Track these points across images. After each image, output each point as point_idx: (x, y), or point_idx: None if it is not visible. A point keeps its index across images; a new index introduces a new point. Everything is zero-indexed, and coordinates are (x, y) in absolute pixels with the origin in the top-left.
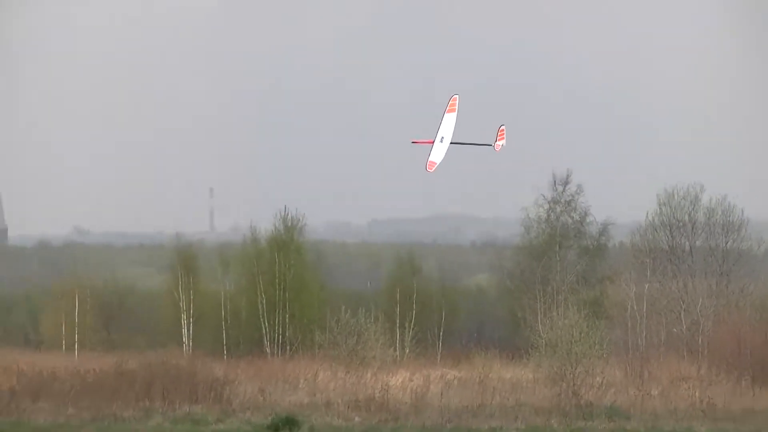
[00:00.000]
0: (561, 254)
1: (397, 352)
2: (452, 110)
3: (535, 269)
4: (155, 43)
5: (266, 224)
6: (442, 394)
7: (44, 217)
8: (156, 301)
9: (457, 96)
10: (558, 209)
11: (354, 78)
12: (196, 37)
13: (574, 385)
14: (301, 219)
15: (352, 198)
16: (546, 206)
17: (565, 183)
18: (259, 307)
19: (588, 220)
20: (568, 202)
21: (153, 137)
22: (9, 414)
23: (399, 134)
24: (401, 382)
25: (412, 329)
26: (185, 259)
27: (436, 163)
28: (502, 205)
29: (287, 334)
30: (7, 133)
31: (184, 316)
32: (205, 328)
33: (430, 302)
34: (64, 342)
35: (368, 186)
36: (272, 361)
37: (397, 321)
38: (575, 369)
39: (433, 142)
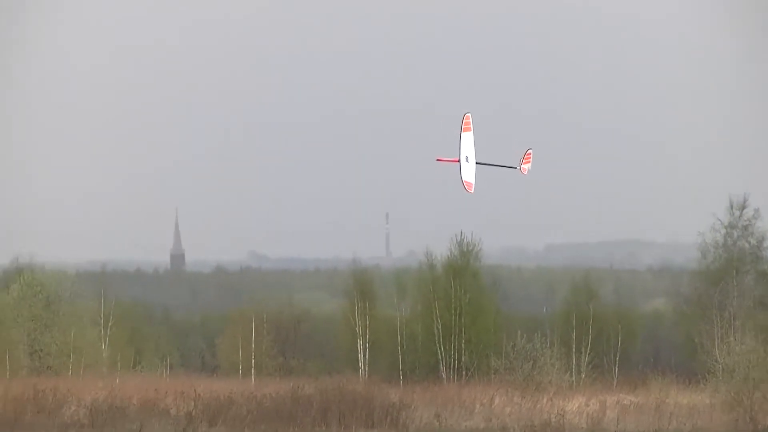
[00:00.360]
0: (738, 279)
1: (573, 378)
2: (467, 129)
3: (712, 294)
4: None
5: (442, 249)
6: (618, 420)
7: (221, 242)
8: (332, 326)
9: (470, 114)
10: (735, 234)
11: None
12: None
13: (751, 410)
14: (476, 244)
15: (527, 223)
16: (723, 231)
17: (742, 207)
18: (435, 332)
19: (766, 245)
20: (745, 227)
21: (330, 164)
22: None
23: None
24: (577, 407)
25: (588, 354)
26: (361, 284)
27: (472, 184)
28: (676, 230)
29: (463, 359)
30: (186, 161)
31: (360, 341)
32: (380, 353)
33: (607, 327)
34: (240, 367)
35: (542, 211)
36: (448, 386)
37: (573, 346)
38: (752, 395)
39: (458, 161)
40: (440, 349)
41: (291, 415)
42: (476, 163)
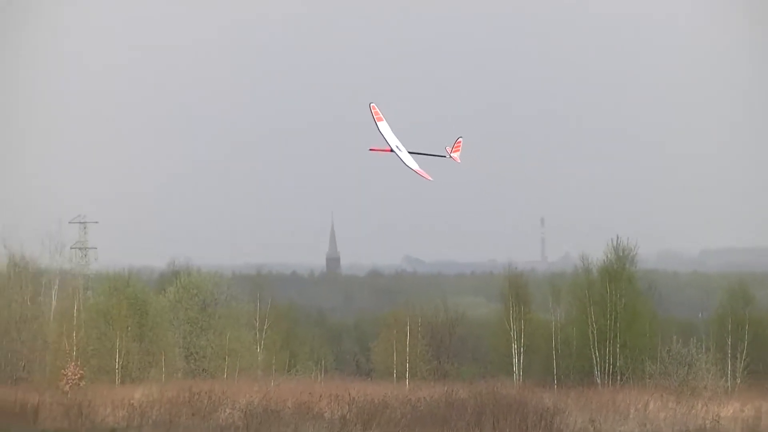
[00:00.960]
0: None
1: (728, 383)
2: (379, 119)
3: None
4: None
5: (597, 254)
6: None
7: (376, 246)
8: (486, 330)
9: (374, 103)
10: None
11: None
12: None
13: None
14: (632, 248)
15: (683, 228)
16: None
17: None
18: (590, 336)
19: None
20: None
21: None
22: None
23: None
24: (732, 413)
25: (744, 359)
26: (516, 288)
27: (424, 172)
28: None
29: (617, 364)
30: (342, 167)
31: (514, 345)
32: (535, 358)
33: (763, 332)
34: (395, 370)
35: (698, 215)
36: (602, 391)
37: (729, 351)
38: None
39: (390, 150)
40: (595, 353)
41: (445, 419)
42: (409, 152)
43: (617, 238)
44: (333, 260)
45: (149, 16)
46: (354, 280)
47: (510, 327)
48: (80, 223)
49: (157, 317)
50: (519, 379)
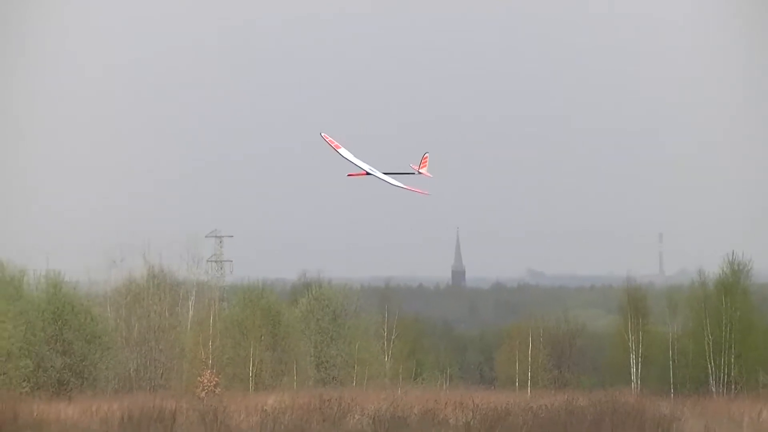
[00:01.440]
0: None
1: None
2: (337, 146)
3: None
4: None
5: (713, 268)
6: None
7: (500, 260)
8: (605, 341)
9: (326, 134)
10: None
11: None
12: None
13: None
14: (747, 263)
15: None
16: None
17: None
18: (706, 347)
19: None
20: None
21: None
22: None
23: None
24: None
25: None
26: (635, 300)
27: (417, 189)
28: None
29: (732, 374)
30: (469, 185)
31: (632, 356)
32: (652, 368)
33: None
34: (517, 379)
35: None
36: (717, 400)
37: None
38: None
39: (366, 174)
40: (710, 363)
41: (565, 426)
42: (384, 172)
43: (733, 253)
44: (458, 273)
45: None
46: (478, 292)
47: (628, 338)
48: (216, 237)
49: (289, 327)
50: (637, 388)
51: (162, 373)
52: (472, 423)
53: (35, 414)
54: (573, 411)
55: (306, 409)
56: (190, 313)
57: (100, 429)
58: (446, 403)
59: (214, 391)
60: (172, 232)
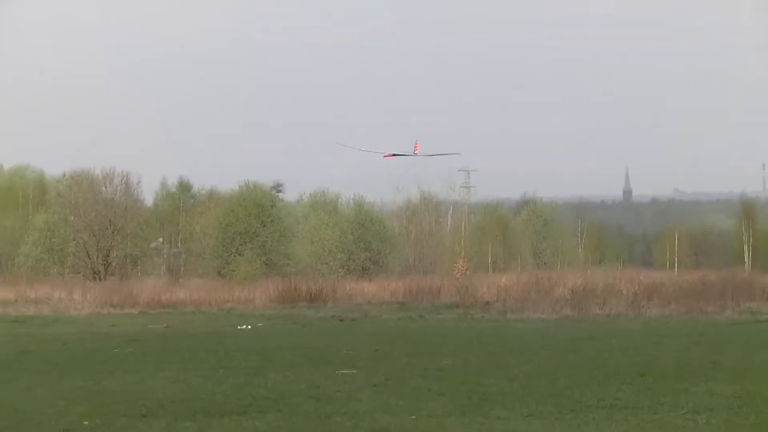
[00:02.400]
0: None
1: None
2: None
3: None
4: None
5: None
6: None
7: (655, 181)
8: (728, 237)
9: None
10: None
11: None
12: None
13: None
14: None
15: None
16: None
17: None
18: None
19: None
20: None
21: None
22: (634, 309)
23: None
24: None
25: None
26: (747, 209)
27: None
28: None
29: None
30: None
31: (746, 246)
32: (759, 254)
33: None
34: (667, 263)
35: None
36: None
37: None
38: None
39: (393, 155)
40: None
41: (700, 292)
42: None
43: None
44: (627, 192)
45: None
46: (641, 205)
47: (743, 234)
48: (465, 171)
49: (514, 230)
50: (749, 267)
51: (431, 263)
52: (637, 292)
53: (348, 289)
54: (705, 283)
55: (526, 285)
56: (449, 222)
57: (390, 297)
58: (620, 280)
59: (465, 274)
60: (437, 167)
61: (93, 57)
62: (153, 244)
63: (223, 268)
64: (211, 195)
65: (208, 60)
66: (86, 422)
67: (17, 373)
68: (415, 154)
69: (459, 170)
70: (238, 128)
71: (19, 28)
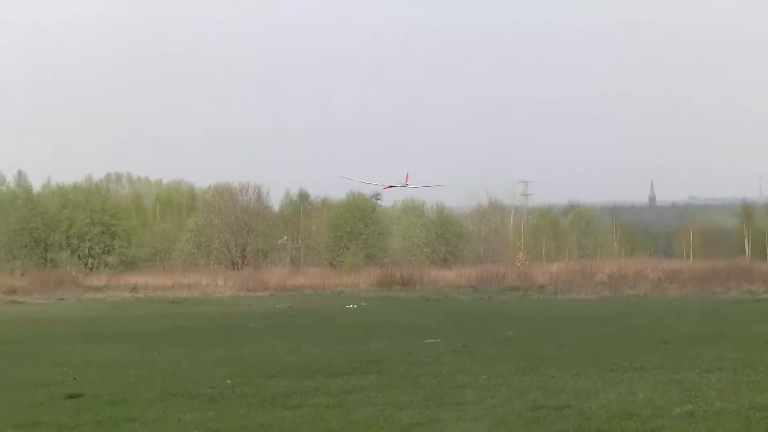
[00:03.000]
0: None
1: None
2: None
3: None
4: None
5: None
6: None
7: (672, 189)
8: (732, 232)
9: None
10: None
11: None
12: None
13: None
14: None
15: None
16: None
17: None
18: None
19: None
20: None
21: None
22: (658, 291)
23: None
24: None
25: None
26: (747, 211)
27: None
28: None
29: None
30: None
31: (746, 240)
32: (757, 246)
33: None
34: (684, 254)
35: None
36: None
37: None
38: None
39: (390, 186)
40: None
41: (709, 277)
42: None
43: None
44: (652, 198)
45: None
46: (663, 208)
47: (744, 231)
48: (523, 182)
49: (563, 229)
50: (749, 257)
51: (497, 254)
52: (660, 277)
53: (432, 275)
54: (714, 270)
55: (572, 271)
56: (511, 222)
57: (465, 282)
58: (647, 267)
59: (524, 263)
60: (500, 178)
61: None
62: (279, 241)
63: (334, 259)
64: (324, 202)
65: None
66: (228, 381)
67: (174, 342)
68: (406, 185)
69: (519, 181)
70: (347, 147)
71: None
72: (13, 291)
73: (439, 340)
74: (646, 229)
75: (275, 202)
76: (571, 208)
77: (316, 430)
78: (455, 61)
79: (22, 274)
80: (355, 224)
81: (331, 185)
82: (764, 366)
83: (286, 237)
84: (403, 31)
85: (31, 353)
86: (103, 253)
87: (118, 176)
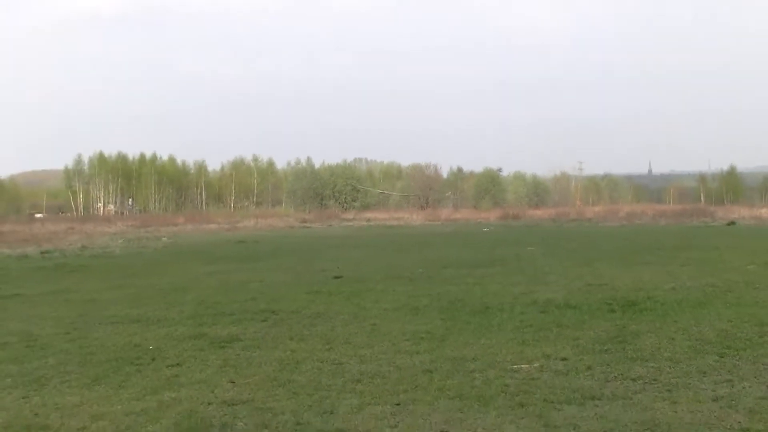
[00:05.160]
0: None
1: None
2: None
3: None
4: None
5: None
6: None
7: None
8: None
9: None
10: None
11: None
12: None
13: None
14: None
15: None
16: None
17: None
18: None
19: None
20: None
21: None
22: (654, 221)
23: None
24: None
25: None
26: None
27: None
28: None
29: None
30: None
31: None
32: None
33: None
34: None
35: None
36: None
37: None
38: None
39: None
40: None
41: (679, 214)
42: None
43: None
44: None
45: None
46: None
47: None
48: (579, 161)
49: (602, 188)
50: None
51: (565, 202)
52: (654, 214)
53: (529, 214)
54: (683, 210)
55: (606, 211)
56: (572, 184)
57: (547, 216)
58: (647, 210)
59: (580, 206)
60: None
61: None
62: (446, 194)
63: (476, 204)
64: (471, 173)
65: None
66: (420, 270)
67: (391, 248)
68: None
69: (577, 161)
70: (485, 127)
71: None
72: (304, 221)
73: (533, 248)
74: (647, 188)
75: (445, 172)
76: (606, 176)
77: (468, 296)
78: None
79: (309, 212)
80: (488, 185)
81: (474, 162)
82: (713, 262)
83: (450, 192)
84: None
85: (315, 253)
86: (351, 201)
87: (360, 159)
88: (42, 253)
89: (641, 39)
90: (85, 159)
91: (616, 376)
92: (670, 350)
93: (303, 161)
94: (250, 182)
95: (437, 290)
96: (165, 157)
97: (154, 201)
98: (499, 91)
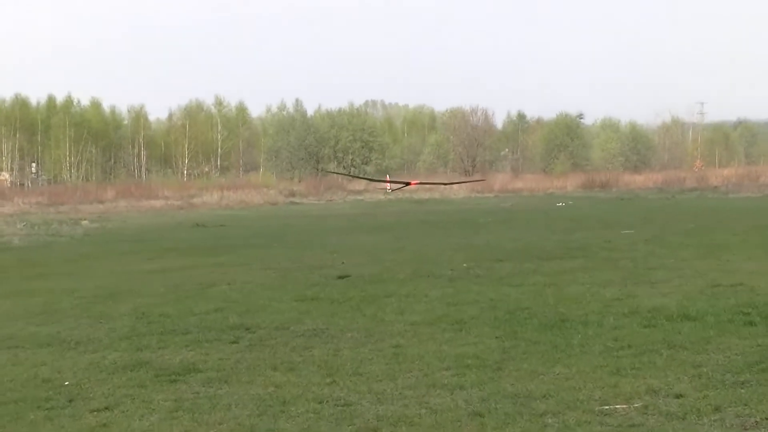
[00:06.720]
0: None
1: None
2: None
3: None
4: None
5: None
6: None
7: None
8: None
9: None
10: None
11: None
12: None
13: None
14: None
15: None
16: None
17: None
18: None
19: None
20: None
21: None
22: None
23: None
24: None
25: None
26: None
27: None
28: None
29: None
30: None
31: None
32: None
33: None
34: None
35: None
36: None
37: None
38: None
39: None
40: None
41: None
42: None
43: None
44: None
45: None
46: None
47: None
48: (701, 103)
49: (734, 140)
50: None
51: (678, 162)
52: None
53: (625, 179)
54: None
55: (740, 176)
56: (690, 136)
57: (653, 185)
58: None
59: (701, 169)
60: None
61: None
62: (502, 153)
63: (546, 167)
64: (538, 121)
65: None
66: (464, 264)
67: (421, 232)
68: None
69: (696, 102)
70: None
71: None
72: (292, 194)
73: (632, 231)
74: None
75: (499, 121)
76: (740, 124)
77: (536, 303)
78: None
79: (299, 181)
80: (563, 138)
81: (543, 107)
82: None
83: (507, 149)
84: None
85: (308, 243)
86: (362, 163)
87: (374, 103)
88: None
89: None
90: None
91: (758, 422)
92: None
93: (289, 106)
94: (211, 138)
95: (490, 295)
96: (85, 102)
97: (70, 166)
98: None
